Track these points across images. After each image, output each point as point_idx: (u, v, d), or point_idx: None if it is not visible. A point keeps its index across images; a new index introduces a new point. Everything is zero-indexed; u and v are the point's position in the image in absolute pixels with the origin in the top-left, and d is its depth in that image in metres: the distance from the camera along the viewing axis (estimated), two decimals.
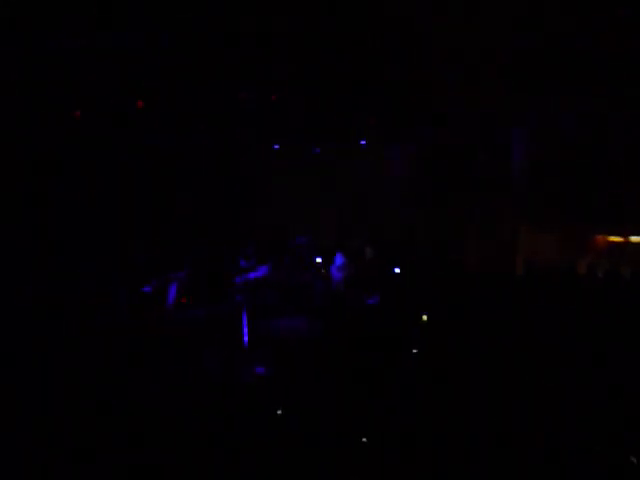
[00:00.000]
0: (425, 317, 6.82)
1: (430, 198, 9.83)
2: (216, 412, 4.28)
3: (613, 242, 9.28)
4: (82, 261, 6.62)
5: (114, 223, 7.33)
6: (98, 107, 6.84)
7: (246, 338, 6.34)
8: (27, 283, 5.94)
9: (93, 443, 3.77)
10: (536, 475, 3.61)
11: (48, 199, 6.65)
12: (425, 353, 5.78)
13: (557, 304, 6.84)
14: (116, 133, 7.30)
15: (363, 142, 9.48)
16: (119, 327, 5.95)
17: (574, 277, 8.28)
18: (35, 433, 3.87)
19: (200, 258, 7.89)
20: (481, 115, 8.55)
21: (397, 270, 9.27)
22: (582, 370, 5.08)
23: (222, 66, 6.62)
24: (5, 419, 4.00)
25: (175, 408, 4.33)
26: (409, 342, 6.00)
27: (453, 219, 9.62)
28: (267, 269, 8.25)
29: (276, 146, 9.27)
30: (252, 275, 7.94)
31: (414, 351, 5.80)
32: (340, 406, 4.40)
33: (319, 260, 9.00)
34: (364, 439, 3.81)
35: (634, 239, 9.00)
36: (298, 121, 8.65)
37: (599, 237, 9.37)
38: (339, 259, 8.38)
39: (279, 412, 4.21)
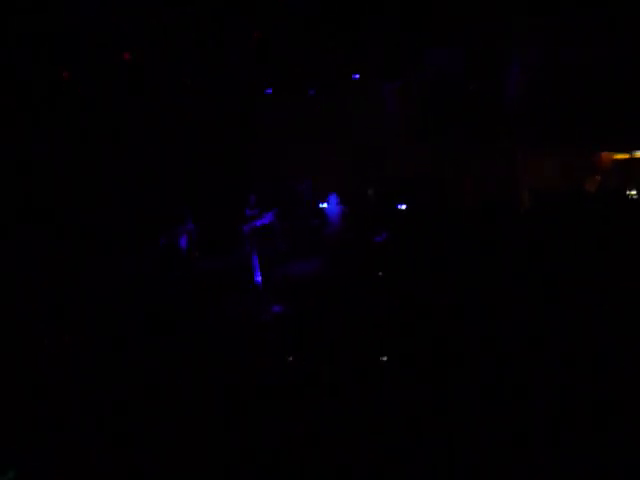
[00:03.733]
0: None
1: (427, 133, 9.63)
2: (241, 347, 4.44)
3: (618, 160, 9.14)
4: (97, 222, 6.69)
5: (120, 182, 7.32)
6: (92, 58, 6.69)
7: (260, 282, 6.47)
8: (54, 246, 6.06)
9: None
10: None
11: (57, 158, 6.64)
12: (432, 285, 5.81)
13: (565, 230, 6.78)
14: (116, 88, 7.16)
15: (356, 76, 9.20)
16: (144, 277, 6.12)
17: (581, 200, 8.18)
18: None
19: (204, 210, 7.91)
20: (476, 36, 8.26)
21: (402, 207, 9.29)
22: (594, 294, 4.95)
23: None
24: None
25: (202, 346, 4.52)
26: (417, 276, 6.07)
27: (451, 153, 9.46)
28: (272, 216, 8.29)
29: (269, 90, 9.02)
30: (259, 223, 7.99)
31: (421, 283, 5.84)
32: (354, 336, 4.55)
33: (324, 205, 9.02)
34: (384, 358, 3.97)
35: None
36: (289, 62, 8.39)
37: (604, 155, 9.23)
38: (333, 199, 8.45)
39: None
